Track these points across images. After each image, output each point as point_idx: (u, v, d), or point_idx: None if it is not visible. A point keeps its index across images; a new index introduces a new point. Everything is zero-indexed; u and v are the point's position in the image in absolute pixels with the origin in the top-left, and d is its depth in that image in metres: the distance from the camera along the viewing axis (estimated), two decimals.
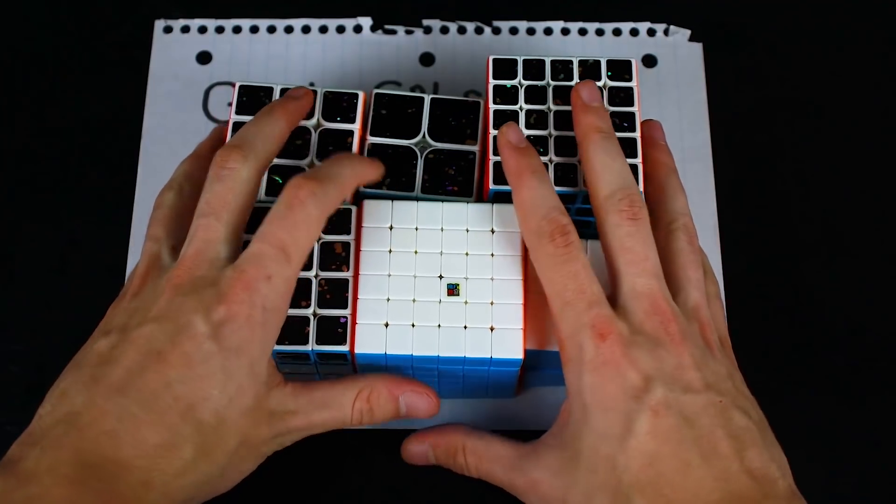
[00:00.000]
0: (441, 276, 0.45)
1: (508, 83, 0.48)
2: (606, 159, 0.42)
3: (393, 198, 0.46)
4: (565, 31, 0.60)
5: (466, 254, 0.45)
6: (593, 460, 0.38)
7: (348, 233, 0.45)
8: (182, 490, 0.37)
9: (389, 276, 0.44)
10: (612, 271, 0.41)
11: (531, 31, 0.60)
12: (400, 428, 0.51)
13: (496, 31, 0.60)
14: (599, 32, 0.60)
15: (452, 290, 0.44)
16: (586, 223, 0.47)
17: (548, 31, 0.60)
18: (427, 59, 0.60)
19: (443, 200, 0.46)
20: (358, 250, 0.45)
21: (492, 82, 0.48)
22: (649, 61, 0.60)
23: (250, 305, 0.38)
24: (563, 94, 0.47)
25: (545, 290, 0.40)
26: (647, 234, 0.41)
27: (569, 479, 0.39)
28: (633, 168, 0.45)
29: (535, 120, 0.47)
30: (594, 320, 0.38)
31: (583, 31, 0.60)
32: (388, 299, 0.44)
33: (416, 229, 0.45)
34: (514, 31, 0.60)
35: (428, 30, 0.60)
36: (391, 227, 0.45)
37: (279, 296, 0.39)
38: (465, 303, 0.44)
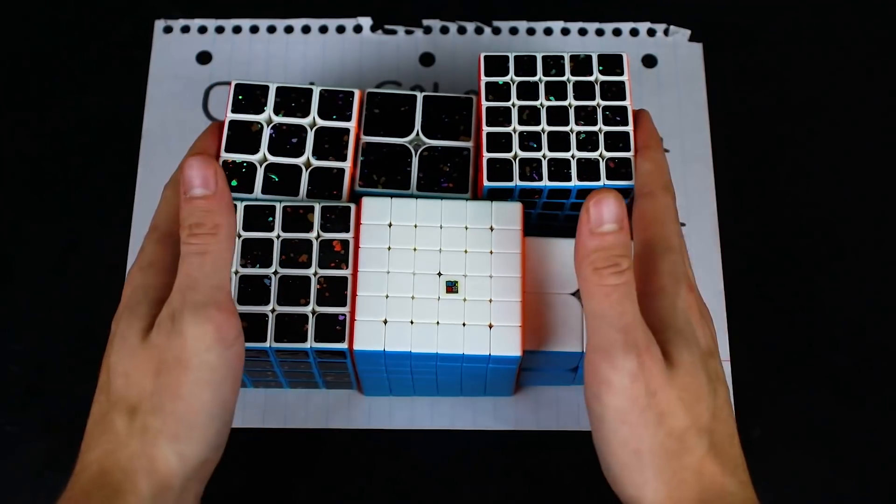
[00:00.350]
0: (440, 274, 0.45)
1: (500, 80, 0.48)
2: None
3: (392, 195, 0.46)
4: (565, 31, 0.60)
5: (465, 251, 0.45)
6: (697, 365, 0.41)
7: (347, 230, 0.45)
8: (141, 458, 0.39)
9: (388, 273, 0.44)
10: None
11: (531, 31, 0.60)
12: (400, 428, 0.51)
13: (496, 31, 0.60)
14: (599, 32, 0.60)
15: (451, 287, 0.44)
16: None
17: (548, 31, 0.60)
18: (427, 59, 0.60)
19: (441, 198, 0.46)
20: (357, 247, 0.45)
21: (484, 79, 0.48)
22: (649, 61, 0.60)
23: (127, 284, 0.43)
24: (555, 90, 0.47)
25: (650, 228, 0.44)
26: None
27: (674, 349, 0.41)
28: (626, 161, 0.46)
29: (528, 116, 0.47)
30: (689, 275, 0.44)
31: (583, 31, 0.60)
32: (387, 296, 0.44)
33: (415, 226, 0.45)
34: (514, 31, 0.60)
35: (428, 30, 0.60)
36: (390, 225, 0.45)
37: (145, 257, 0.43)
38: (464, 300, 0.44)
